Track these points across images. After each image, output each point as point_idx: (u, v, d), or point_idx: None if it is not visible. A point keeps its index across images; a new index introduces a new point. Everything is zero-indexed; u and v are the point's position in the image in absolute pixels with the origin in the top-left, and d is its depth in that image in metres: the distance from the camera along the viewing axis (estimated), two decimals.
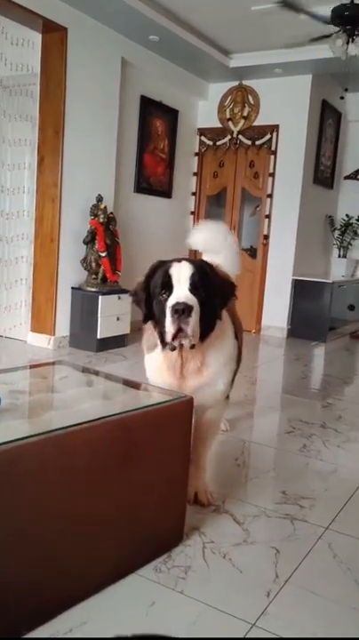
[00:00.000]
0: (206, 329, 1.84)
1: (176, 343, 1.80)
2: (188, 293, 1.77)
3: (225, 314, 1.99)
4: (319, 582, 1.70)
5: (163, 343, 1.85)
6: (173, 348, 1.84)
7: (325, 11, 3.95)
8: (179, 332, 1.76)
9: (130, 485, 1.63)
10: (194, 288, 1.78)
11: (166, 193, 5.92)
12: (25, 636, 1.39)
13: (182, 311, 1.73)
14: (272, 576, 1.71)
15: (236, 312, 2.35)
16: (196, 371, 1.94)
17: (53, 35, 4.30)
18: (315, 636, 1.47)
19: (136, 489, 1.65)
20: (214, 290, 1.83)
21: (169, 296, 1.79)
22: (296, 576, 1.72)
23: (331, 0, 3.89)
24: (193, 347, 1.83)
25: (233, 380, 2.16)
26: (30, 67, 4.53)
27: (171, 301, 1.76)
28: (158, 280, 1.83)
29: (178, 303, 1.74)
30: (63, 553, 1.47)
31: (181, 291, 1.77)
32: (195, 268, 1.80)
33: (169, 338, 1.78)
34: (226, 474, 2.45)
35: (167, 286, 1.80)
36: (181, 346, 1.84)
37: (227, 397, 2.20)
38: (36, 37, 4.39)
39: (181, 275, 1.79)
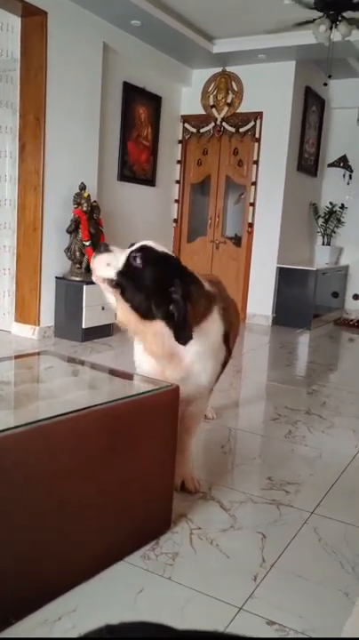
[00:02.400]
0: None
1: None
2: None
3: (215, 313, 1.96)
4: (305, 566, 1.73)
5: None
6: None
7: None
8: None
9: (117, 474, 1.63)
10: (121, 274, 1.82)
11: (150, 181, 5.88)
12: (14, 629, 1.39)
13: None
14: (259, 560, 1.74)
15: (231, 314, 2.23)
16: (171, 361, 1.92)
17: (33, 19, 4.21)
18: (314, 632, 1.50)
19: (123, 478, 1.66)
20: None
21: None
22: (282, 560, 1.75)
23: None
24: (146, 318, 1.83)
25: (218, 377, 2.13)
26: (10, 52, 4.44)
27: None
28: None
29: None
30: (51, 542, 1.47)
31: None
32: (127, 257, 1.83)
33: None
34: (212, 461, 2.46)
35: None
36: None
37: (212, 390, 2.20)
38: (16, 21, 4.30)
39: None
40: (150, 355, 1.95)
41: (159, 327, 1.83)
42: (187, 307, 1.78)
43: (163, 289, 1.79)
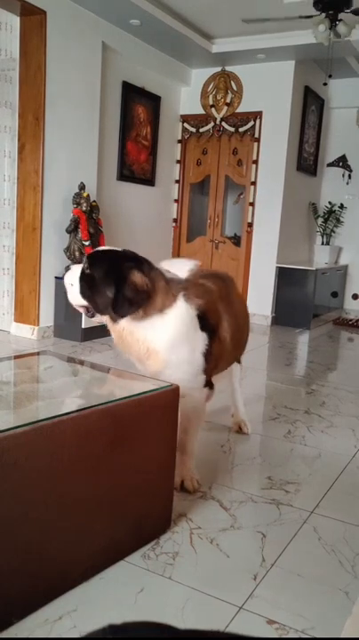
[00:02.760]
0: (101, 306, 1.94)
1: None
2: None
3: (180, 299, 1.94)
4: (305, 565, 1.73)
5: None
6: (92, 316, 2.03)
7: None
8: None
9: (117, 474, 1.64)
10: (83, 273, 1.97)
11: (149, 181, 5.88)
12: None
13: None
14: (259, 560, 1.74)
15: (218, 303, 2.15)
16: (150, 356, 1.95)
17: (32, 18, 4.21)
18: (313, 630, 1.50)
19: (123, 477, 1.66)
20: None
21: None
22: (282, 559, 1.75)
23: None
24: (114, 320, 1.92)
25: (209, 370, 2.07)
26: (9, 51, 4.44)
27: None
28: None
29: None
30: (52, 541, 1.48)
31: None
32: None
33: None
34: (212, 461, 2.47)
35: None
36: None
37: (211, 388, 2.13)
38: (15, 21, 4.30)
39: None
40: (134, 355, 1.99)
41: (126, 323, 1.90)
42: (124, 284, 1.84)
43: (112, 282, 1.88)
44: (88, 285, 1.94)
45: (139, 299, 1.85)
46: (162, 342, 1.92)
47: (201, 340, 2.00)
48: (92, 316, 2.02)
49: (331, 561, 1.76)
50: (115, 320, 1.92)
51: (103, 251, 2.02)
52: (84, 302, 1.98)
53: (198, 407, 2.15)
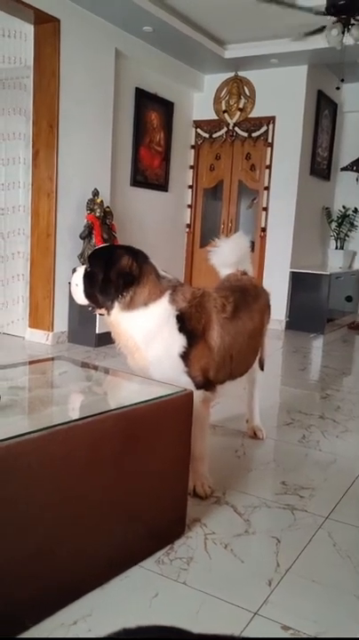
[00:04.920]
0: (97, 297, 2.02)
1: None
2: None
3: (165, 297, 1.96)
4: (320, 570, 1.72)
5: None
6: (93, 310, 2.11)
7: (320, 0, 3.93)
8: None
9: (131, 479, 1.64)
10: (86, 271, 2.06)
11: (163, 186, 5.90)
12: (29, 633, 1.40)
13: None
14: (273, 565, 1.73)
15: (208, 308, 2.09)
16: (137, 350, 2.00)
17: (46, 26, 4.27)
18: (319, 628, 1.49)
19: (137, 482, 1.66)
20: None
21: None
22: (297, 565, 1.74)
23: None
24: (109, 311, 1.99)
25: (196, 376, 2.02)
26: (23, 59, 4.50)
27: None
28: None
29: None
30: (66, 545, 1.48)
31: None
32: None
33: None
34: (226, 466, 2.46)
35: None
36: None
37: (208, 390, 2.08)
38: (29, 29, 4.36)
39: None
40: (123, 347, 2.04)
41: (116, 313, 1.96)
42: (112, 267, 1.92)
43: (103, 267, 1.96)
44: (90, 283, 2.02)
45: (121, 281, 1.91)
46: (141, 336, 1.97)
47: (178, 340, 1.98)
48: (93, 310, 2.10)
49: (345, 567, 1.75)
50: (109, 311, 1.99)
51: (101, 247, 2.14)
52: (87, 301, 2.06)
53: (196, 409, 2.09)
